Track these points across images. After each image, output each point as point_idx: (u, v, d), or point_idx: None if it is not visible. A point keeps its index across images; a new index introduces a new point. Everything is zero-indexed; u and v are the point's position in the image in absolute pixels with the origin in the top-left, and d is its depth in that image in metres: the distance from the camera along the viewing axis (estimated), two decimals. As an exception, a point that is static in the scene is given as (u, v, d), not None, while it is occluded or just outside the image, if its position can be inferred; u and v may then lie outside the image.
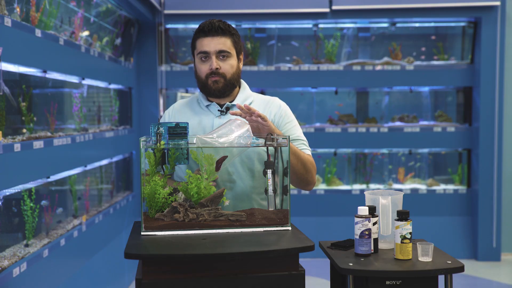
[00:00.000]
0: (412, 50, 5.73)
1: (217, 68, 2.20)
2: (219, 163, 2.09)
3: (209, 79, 2.22)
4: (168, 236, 1.89)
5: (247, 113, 2.03)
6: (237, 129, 2.02)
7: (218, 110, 2.27)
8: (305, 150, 2.28)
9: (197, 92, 2.39)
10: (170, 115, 2.35)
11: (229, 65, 2.23)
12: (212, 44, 2.20)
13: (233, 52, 2.24)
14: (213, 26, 2.20)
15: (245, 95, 2.32)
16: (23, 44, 2.78)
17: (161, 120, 2.35)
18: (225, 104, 2.28)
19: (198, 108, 2.32)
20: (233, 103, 2.29)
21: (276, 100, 2.36)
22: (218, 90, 2.23)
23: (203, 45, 2.21)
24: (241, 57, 2.31)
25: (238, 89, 2.33)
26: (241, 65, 2.31)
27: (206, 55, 2.21)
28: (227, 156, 2.09)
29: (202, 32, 2.22)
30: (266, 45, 5.70)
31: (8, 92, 2.75)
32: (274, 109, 2.32)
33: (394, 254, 1.95)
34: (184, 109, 2.34)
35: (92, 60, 3.89)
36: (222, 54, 2.21)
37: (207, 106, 2.30)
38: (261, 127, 2.06)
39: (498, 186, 5.32)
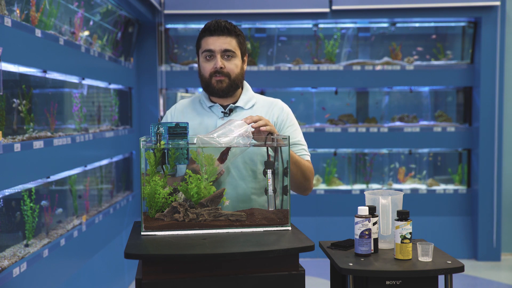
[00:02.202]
0: (412, 50, 5.73)
1: (221, 67, 2.20)
2: (224, 154, 2.07)
3: (213, 78, 2.22)
4: (168, 236, 1.89)
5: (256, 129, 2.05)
6: (236, 129, 2.02)
7: (222, 112, 2.27)
8: (305, 156, 2.28)
9: (198, 92, 2.39)
10: (172, 115, 2.35)
11: (234, 65, 2.23)
12: (217, 43, 2.20)
13: (238, 52, 2.24)
14: (219, 26, 2.20)
15: (248, 97, 2.32)
16: (23, 44, 2.78)
17: (163, 120, 2.35)
18: (228, 105, 2.28)
19: (200, 108, 2.32)
20: (236, 104, 2.29)
21: (279, 103, 2.36)
22: (222, 90, 2.23)
23: (208, 43, 2.21)
24: (245, 58, 2.30)
25: (241, 90, 2.33)
26: (245, 66, 2.30)
27: (211, 54, 2.21)
28: (230, 148, 2.08)
29: (208, 31, 2.21)
30: (267, 45, 5.70)
31: (17, 104, 2.75)
32: (277, 111, 2.32)
33: (394, 254, 1.95)
34: (186, 109, 2.34)
35: (92, 60, 3.89)
36: (227, 54, 2.21)
37: (210, 107, 2.29)
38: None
39: (498, 186, 5.33)
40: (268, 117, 2.29)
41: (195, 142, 1.99)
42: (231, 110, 2.28)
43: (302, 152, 2.29)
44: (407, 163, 5.78)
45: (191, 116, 2.29)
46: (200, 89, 2.43)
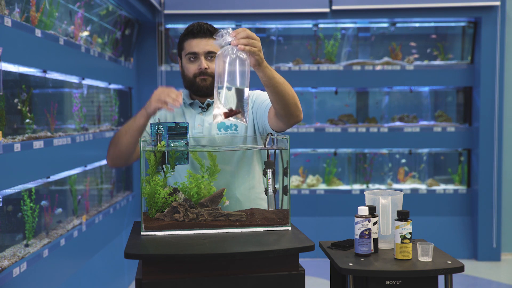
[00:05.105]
0: (412, 50, 5.73)
1: (206, 68, 2.24)
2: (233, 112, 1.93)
3: (197, 78, 2.27)
4: (168, 236, 1.89)
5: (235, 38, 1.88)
6: (228, 61, 1.84)
7: (200, 107, 2.32)
8: None
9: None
10: (161, 117, 2.36)
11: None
12: (200, 45, 2.24)
13: None
14: (202, 28, 2.25)
15: None
16: (23, 44, 2.78)
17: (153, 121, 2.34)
18: (206, 101, 2.32)
19: (183, 107, 2.36)
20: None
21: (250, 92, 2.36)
22: (206, 87, 2.27)
23: (192, 46, 2.26)
24: None
25: None
26: None
27: (194, 56, 2.26)
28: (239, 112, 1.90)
29: (191, 34, 2.26)
30: (267, 45, 5.70)
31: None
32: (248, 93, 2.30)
33: (394, 254, 1.95)
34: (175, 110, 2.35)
35: (92, 60, 3.89)
36: (210, 55, 2.26)
37: (190, 104, 2.34)
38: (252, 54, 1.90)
39: (498, 186, 5.32)
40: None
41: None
42: (208, 105, 2.32)
43: None
44: (408, 163, 5.78)
45: (175, 115, 2.34)
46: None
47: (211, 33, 2.25)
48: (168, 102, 2.01)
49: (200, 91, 2.28)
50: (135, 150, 2.20)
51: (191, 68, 2.27)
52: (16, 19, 2.77)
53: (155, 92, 2.08)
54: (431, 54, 5.69)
